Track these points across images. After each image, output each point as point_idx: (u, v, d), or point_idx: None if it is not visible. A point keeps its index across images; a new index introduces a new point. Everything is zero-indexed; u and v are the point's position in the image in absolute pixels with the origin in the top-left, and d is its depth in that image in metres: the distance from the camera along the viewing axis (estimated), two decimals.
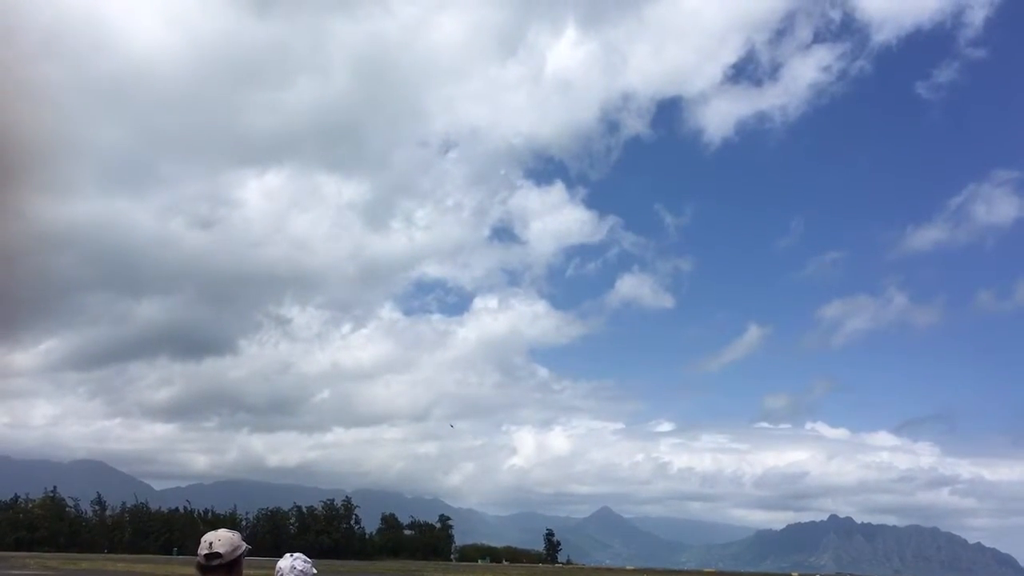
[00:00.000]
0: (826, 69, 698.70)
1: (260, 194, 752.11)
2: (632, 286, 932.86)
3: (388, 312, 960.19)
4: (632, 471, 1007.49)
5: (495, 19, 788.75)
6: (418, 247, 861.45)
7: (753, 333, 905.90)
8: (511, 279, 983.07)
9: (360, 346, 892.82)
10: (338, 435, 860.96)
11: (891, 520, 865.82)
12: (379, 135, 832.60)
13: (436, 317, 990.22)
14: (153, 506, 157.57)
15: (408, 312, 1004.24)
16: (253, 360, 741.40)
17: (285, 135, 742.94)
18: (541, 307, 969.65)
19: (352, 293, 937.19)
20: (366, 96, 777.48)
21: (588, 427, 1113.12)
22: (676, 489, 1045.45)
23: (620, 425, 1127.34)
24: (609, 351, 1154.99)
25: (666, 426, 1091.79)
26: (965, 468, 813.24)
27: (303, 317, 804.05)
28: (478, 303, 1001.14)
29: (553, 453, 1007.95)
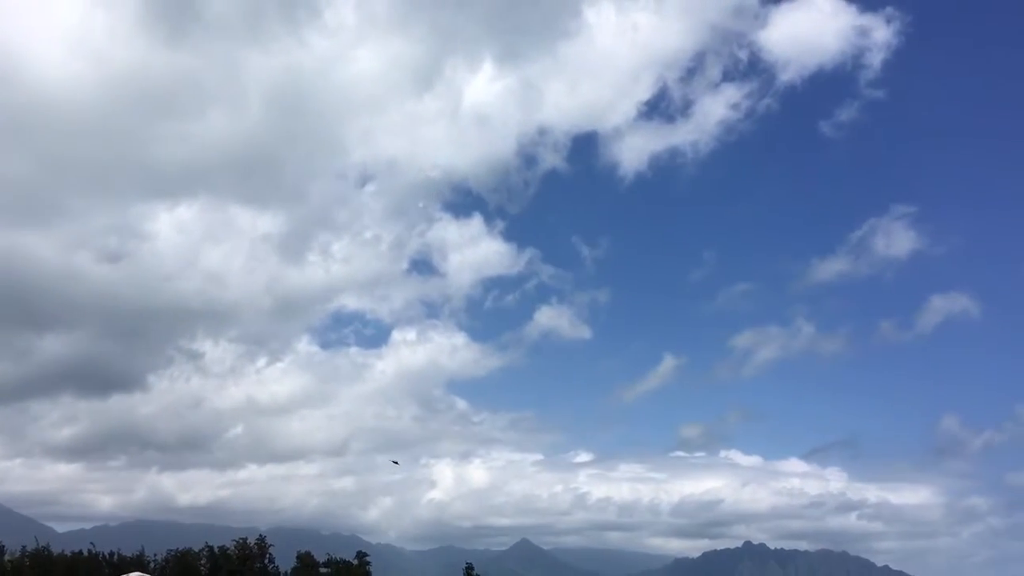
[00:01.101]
0: (735, 107, 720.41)
1: (171, 227, 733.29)
2: (550, 318, 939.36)
3: (305, 345, 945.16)
4: (551, 502, 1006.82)
5: (412, 53, 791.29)
6: (335, 280, 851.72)
7: (668, 363, 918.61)
8: (430, 311, 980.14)
9: (276, 380, 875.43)
10: (252, 472, 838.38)
11: (803, 545, 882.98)
12: (295, 167, 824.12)
13: (354, 350, 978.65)
14: (56, 549, 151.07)
15: (325, 345, 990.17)
16: (163, 396, 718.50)
17: (198, 167, 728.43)
18: (460, 339, 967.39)
19: (267, 326, 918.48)
20: (281, 128, 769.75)
21: (507, 459, 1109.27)
22: (594, 519, 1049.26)
23: (539, 456, 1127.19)
24: (528, 382, 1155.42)
25: (584, 456, 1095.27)
26: (872, 492, 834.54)
27: (216, 351, 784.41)
28: (396, 336, 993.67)
29: (472, 486, 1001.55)
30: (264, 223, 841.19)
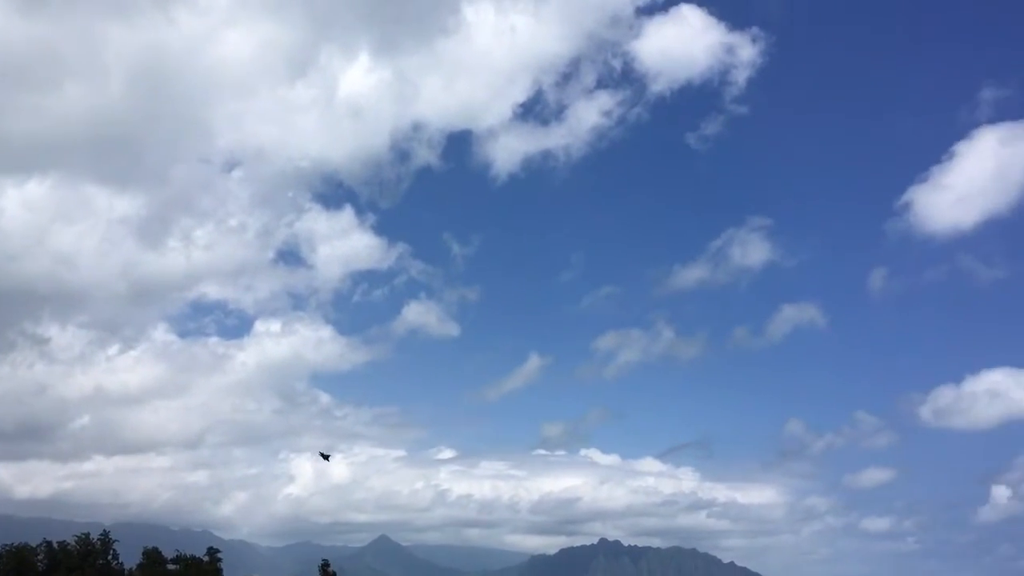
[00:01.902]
0: (607, 114, 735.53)
1: (19, 204, 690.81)
2: (419, 313, 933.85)
3: (161, 334, 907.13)
4: (412, 499, 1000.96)
5: (286, 39, 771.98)
6: (197, 267, 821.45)
7: (534, 362, 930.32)
8: (296, 303, 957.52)
9: (128, 369, 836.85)
10: (98, 464, 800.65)
11: (655, 542, 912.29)
12: (157, 148, 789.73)
13: (214, 340, 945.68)
14: None
15: (183, 334, 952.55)
16: (3, 382, 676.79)
17: (51, 142, 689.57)
18: (326, 332, 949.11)
19: (121, 313, 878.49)
20: (144, 107, 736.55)
21: (370, 454, 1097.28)
22: (455, 516, 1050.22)
23: (402, 452, 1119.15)
24: (394, 378, 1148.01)
25: (447, 453, 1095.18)
26: (721, 492, 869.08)
27: (64, 337, 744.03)
28: (259, 327, 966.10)
29: (332, 481, 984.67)
30: (121, 205, 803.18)
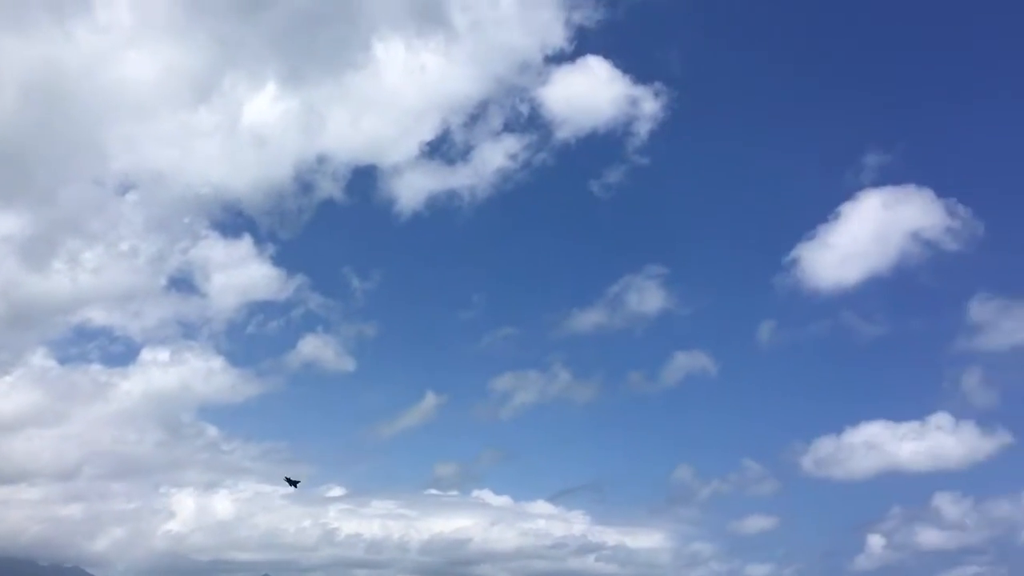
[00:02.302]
0: (513, 157, 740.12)
1: None
2: (315, 347, 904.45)
3: (40, 359, 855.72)
4: (298, 537, 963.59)
5: (190, 62, 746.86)
6: (83, 291, 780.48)
7: (430, 401, 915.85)
8: (187, 332, 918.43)
9: (0, 395, 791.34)
10: None
11: None
12: (47, 167, 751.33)
13: (96, 367, 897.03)
14: None
15: (64, 360, 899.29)
16: None
17: None
18: (217, 363, 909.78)
19: None
20: (35, 123, 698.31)
21: (256, 490, 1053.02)
22: (342, 556, 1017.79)
23: (289, 489, 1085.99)
24: (285, 412, 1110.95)
25: (337, 491, 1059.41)
26: (611, 536, 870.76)
27: None
28: (147, 355, 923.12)
29: (216, 517, 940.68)
30: (5, 223, 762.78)
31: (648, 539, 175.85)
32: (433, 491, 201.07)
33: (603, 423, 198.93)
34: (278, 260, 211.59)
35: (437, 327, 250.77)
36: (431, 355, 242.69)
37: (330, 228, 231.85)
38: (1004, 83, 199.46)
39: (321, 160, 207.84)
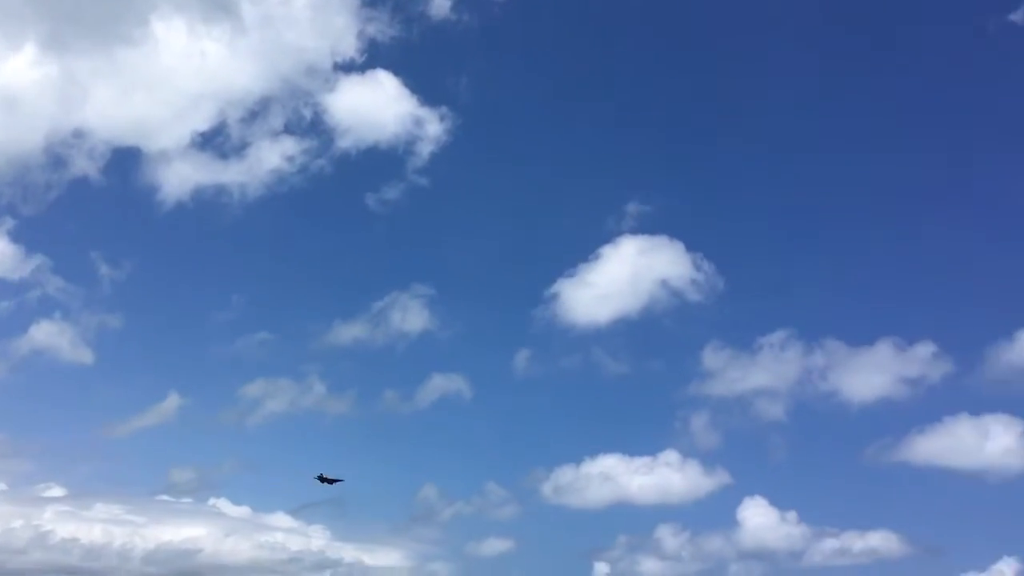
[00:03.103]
0: (290, 159, 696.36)
1: None
2: (49, 334, 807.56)
3: None
4: (6, 539, 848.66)
5: None
6: None
7: (172, 402, 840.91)
8: None
9: None
10: None
11: None
12: None
13: None
14: None
15: None
16: None
17: None
18: None
19: None
20: None
21: None
22: (55, 561, 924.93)
23: (2, 487, 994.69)
24: (6, 402, 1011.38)
25: (57, 491, 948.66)
26: (349, 552, 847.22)
27: None
28: None
29: None
30: None
31: (387, 557, 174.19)
32: (165, 497, 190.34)
33: (353, 438, 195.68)
34: (16, 236, 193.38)
35: (189, 325, 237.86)
36: (179, 354, 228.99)
37: (80, 209, 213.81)
38: (763, 150, 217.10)
39: (78, 135, 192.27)
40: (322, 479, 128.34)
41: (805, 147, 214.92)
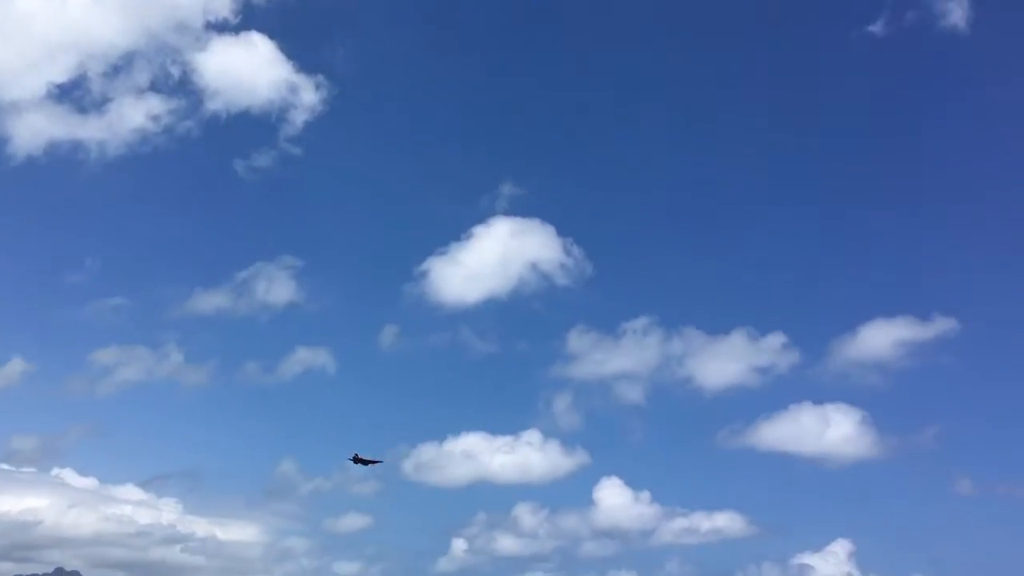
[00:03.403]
0: (155, 119, 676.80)
1: None
2: None
3: None
4: None
5: None
6: None
7: (16, 366, 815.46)
8: None
9: None
10: None
11: (119, 575, 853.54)
12: None
13: None
14: None
15: None
16: None
17: None
18: None
19: None
20: None
21: None
22: None
23: None
24: None
25: None
26: (202, 526, 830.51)
27: None
28: None
29: None
30: None
31: (241, 532, 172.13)
32: (5, 466, 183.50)
33: (211, 410, 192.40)
34: None
35: (37, 287, 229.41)
36: (24, 317, 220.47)
37: None
38: (639, 145, 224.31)
39: None
40: (358, 460, 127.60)
41: (678, 146, 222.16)
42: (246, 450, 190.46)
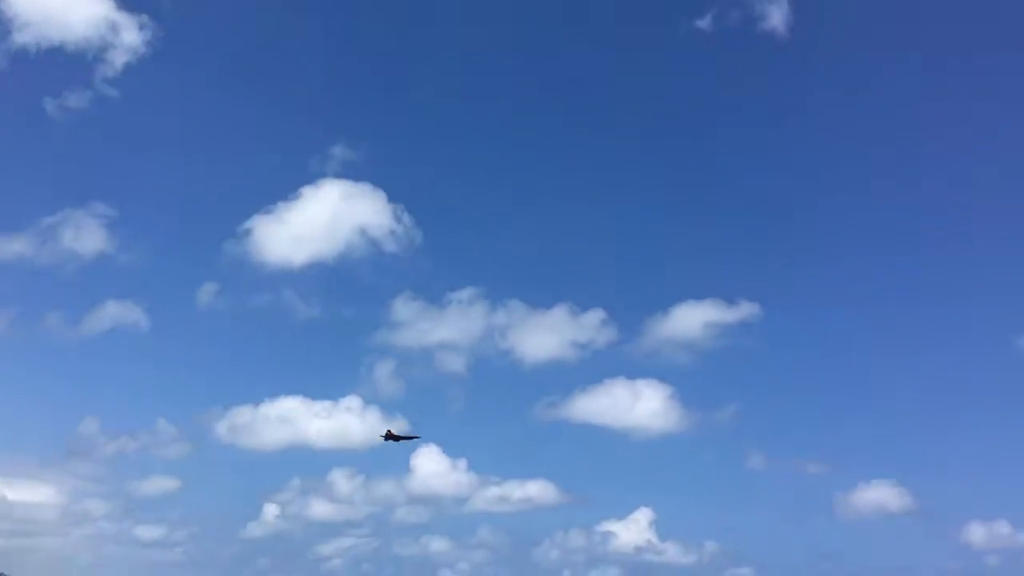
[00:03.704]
0: None
1: None
2: None
3: None
4: None
5: None
6: None
7: None
8: None
9: None
10: None
11: None
12: None
13: None
14: None
15: None
16: None
17: None
18: None
19: None
20: None
21: None
22: None
23: None
24: None
25: None
26: None
27: None
28: None
29: None
30: None
31: (35, 492, 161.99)
32: None
33: (6, 362, 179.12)
34: None
35: None
36: None
37: None
38: (475, 117, 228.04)
39: None
40: (390, 436, 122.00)
41: (513, 127, 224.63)
42: (44, 407, 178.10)
